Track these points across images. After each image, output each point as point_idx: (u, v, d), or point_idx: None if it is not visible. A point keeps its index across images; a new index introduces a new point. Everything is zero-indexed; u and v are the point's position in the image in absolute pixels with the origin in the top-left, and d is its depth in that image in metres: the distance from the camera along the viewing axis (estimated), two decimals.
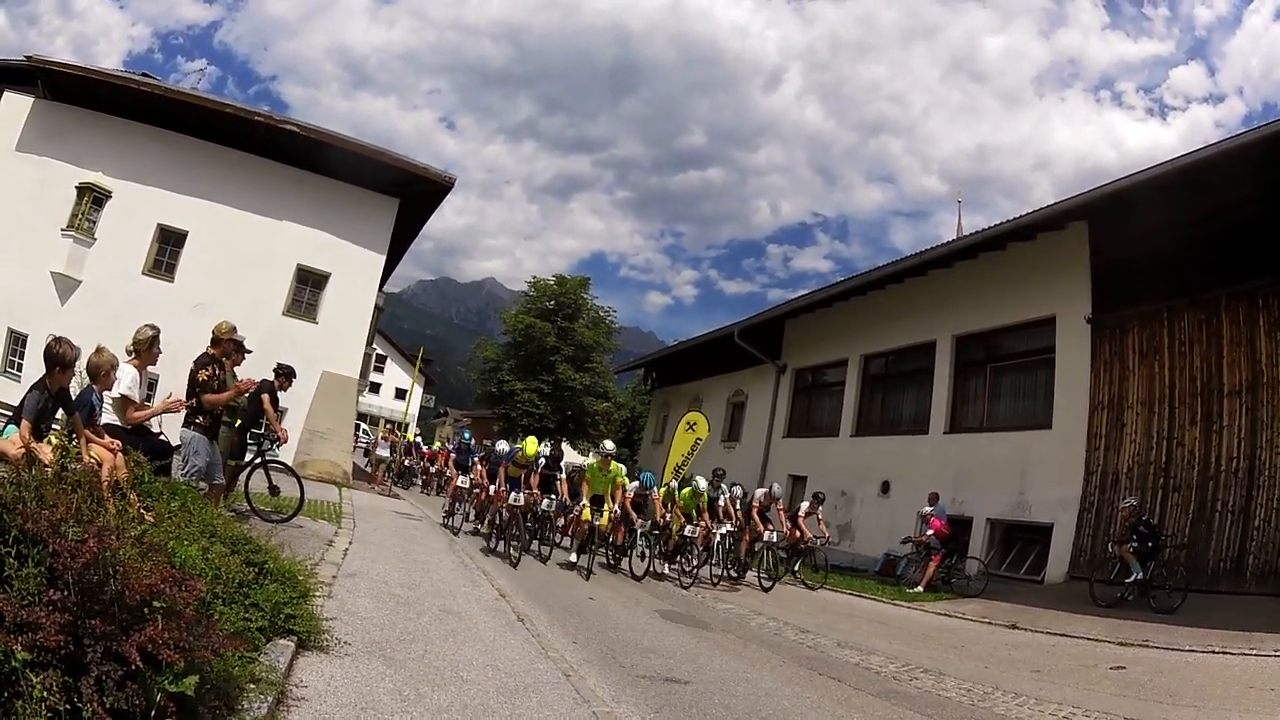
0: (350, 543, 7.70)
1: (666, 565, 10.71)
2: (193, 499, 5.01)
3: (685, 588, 9.84)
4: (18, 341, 14.69)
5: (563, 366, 29.26)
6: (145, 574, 2.31)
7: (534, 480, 10.05)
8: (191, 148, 15.48)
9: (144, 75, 17.67)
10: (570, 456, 22.97)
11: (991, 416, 13.68)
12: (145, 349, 5.99)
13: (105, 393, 5.43)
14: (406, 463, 21.50)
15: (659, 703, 4.42)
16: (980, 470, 13.01)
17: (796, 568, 12.15)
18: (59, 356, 4.65)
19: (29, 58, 14.94)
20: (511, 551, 9.44)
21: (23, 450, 4.14)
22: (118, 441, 5.21)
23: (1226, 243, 9.86)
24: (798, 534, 12.21)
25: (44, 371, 4.73)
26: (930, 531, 11.72)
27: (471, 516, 12.26)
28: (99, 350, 5.24)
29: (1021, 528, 12.16)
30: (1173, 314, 10.59)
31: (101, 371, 5.21)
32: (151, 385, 7.72)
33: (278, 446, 8.50)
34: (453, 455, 15.15)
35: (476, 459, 12.60)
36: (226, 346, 6.58)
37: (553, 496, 10.11)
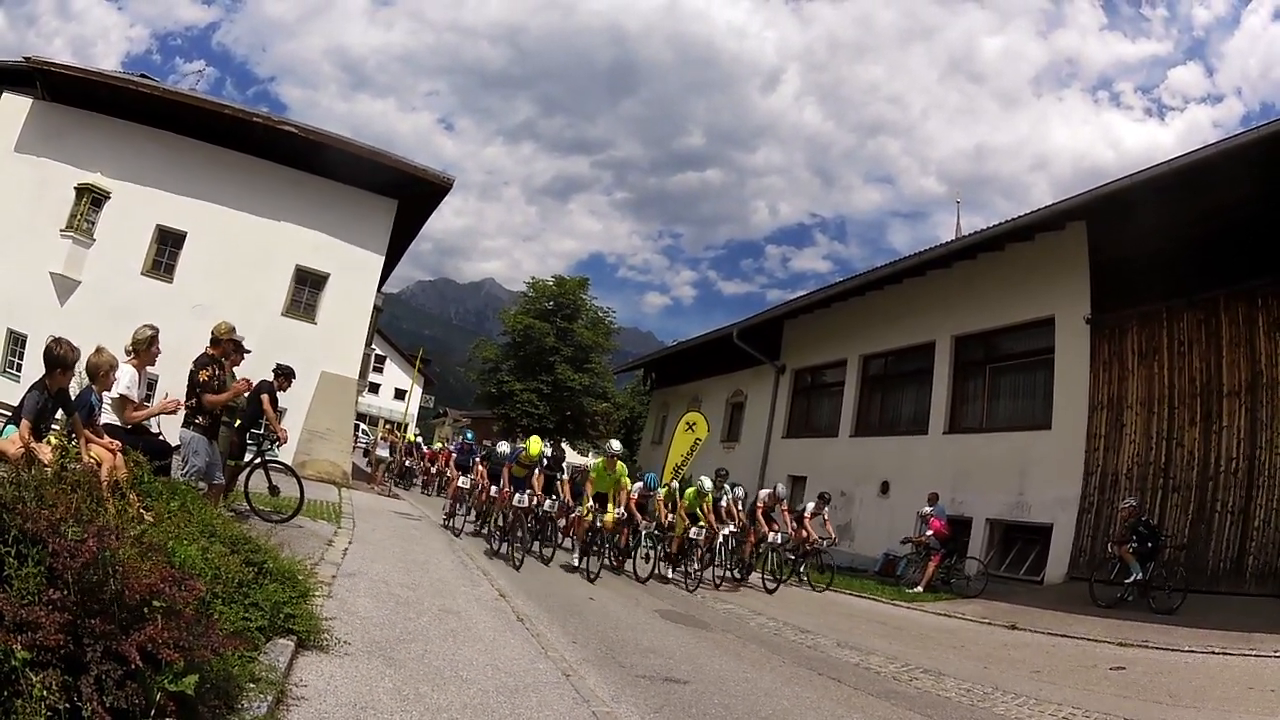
0: (350, 543, 7.70)
1: (670, 569, 10.57)
2: (192, 499, 5.01)
3: (690, 591, 9.70)
4: (17, 342, 14.69)
5: (562, 367, 29.26)
6: (145, 573, 2.31)
7: (538, 481, 10.00)
8: (190, 149, 15.49)
9: (142, 76, 17.67)
10: (570, 457, 22.95)
11: (991, 417, 13.68)
12: (144, 349, 6.00)
13: (104, 393, 5.43)
14: (407, 463, 21.48)
15: (658, 702, 4.42)
16: (979, 470, 13.01)
17: (803, 570, 11.97)
18: (60, 358, 4.65)
19: (28, 59, 14.95)
20: (515, 554, 9.34)
21: (22, 450, 4.14)
22: (117, 442, 5.21)
23: (1225, 243, 9.86)
24: (804, 535, 12.05)
25: (44, 372, 4.72)
26: (929, 532, 11.71)
27: (473, 517, 12.20)
28: (98, 351, 5.24)
29: (1021, 528, 12.17)
30: (1172, 314, 10.60)
31: (101, 372, 5.21)
32: (151, 385, 7.71)
33: (277, 447, 8.52)
34: (454, 455, 15.12)
35: (478, 459, 12.57)
36: (226, 347, 6.59)
37: (554, 497, 10.08)
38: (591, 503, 9.73)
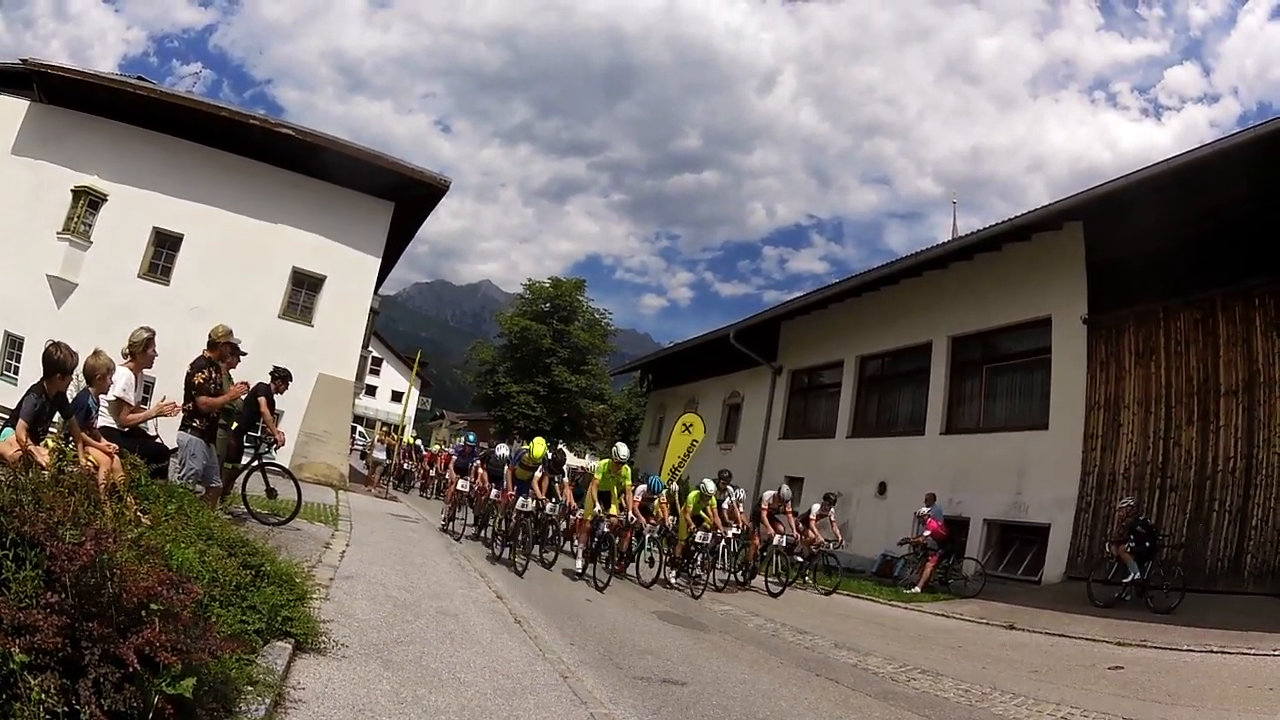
0: (347, 545, 7.68)
1: (674, 574, 10.27)
2: (189, 502, 5.00)
3: (696, 597, 9.47)
4: (14, 344, 14.66)
5: (558, 369, 29.29)
6: (142, 576, 2.31)
7: (541, 483, 9.90)
8: (187, 151, 15.48)
9: (139, 79, 17.66)
10: (568, 459, 22.91)
11: (988, 417, 13.70)
12: (140, 351, 5.99)
13: (102, 396, 5.42)
14: (405, 466, 21.43)
15: (656, 704, 4.42)
16: (977, 471, 13.02)
17: (809, 572, 11.72)
18: (59, 362, 4.64)
19: (24, 61, 14.93)
20: (518, 559, 9.15)
21: (20, 453, 4.13)
22: (115, 445, 5.20)
23: (1222, 242, 9.89)
24: (810, 537, 11.80)
25: (41, 375, 4.72)
26: (927, 532, 11.71)
27: (471, 520, 12.03)
28: (96, 354, 5.23)
29: (1018, 528, 12.18)
30: (1169, 314, 10.62)
31: (98, 375, 5.20)
32: (148, 388, 7.71)
33: (274, 449, 8.49)
34: (453, 458, 15.04)
35: (477, 462, 12.48)
36: (223, 350, 6.58)
37: (556, 500, 10.00)
38: (596, 504, 9.52)
